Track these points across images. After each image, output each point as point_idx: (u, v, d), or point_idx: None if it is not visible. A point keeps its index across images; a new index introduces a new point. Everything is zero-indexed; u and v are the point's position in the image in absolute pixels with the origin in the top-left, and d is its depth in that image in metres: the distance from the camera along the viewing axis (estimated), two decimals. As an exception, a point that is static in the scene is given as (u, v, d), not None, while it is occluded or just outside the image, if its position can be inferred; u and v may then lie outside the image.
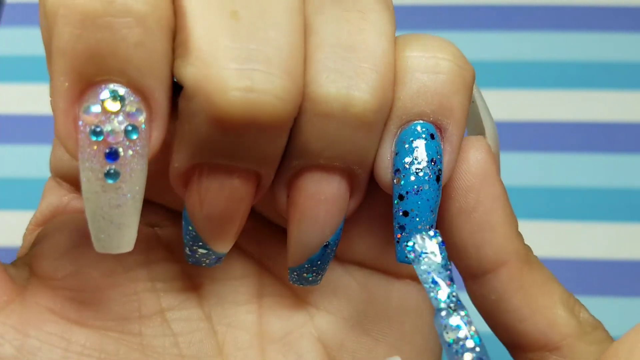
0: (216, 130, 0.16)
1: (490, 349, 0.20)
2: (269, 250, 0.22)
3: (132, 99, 0.16)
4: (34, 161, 0.43)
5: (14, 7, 0.42)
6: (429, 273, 0.18)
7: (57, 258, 0.20)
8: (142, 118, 0.16)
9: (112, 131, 0.15)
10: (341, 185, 0.18)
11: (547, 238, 0.36)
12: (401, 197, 0.18)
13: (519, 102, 0.39)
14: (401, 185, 0.18)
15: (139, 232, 0.18)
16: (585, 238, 0.36)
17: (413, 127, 0.18)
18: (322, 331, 0.21)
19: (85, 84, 0.15)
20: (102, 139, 0.15)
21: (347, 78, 0.17)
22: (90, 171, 0.16)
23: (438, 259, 0.18)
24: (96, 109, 0.15)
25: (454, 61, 0.18)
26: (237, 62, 0.16)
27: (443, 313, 0.17)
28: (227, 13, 0.16)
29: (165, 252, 0.21)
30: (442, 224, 0.20)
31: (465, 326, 0.17)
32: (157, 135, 0.16)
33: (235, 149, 0.17)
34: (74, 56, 0.15)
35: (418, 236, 0.18)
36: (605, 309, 0.36)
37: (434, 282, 0.18)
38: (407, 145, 0.18)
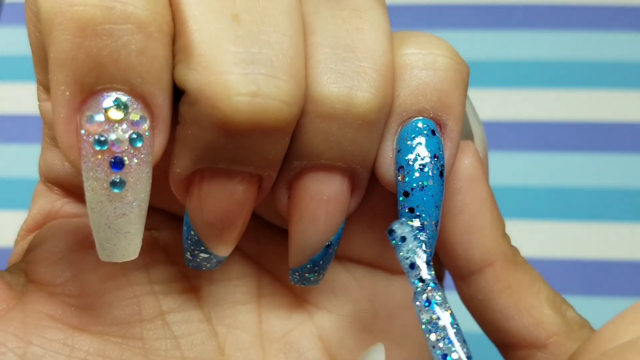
0: (220, 135, 0.16)
1: (481, 349, 0.20)
2: (268, 250, 0.22)
3: (135, 106, 0.15)
4: (33, 161, 0.43)
5: (13, 7, 0.42)
6: (407, 258, 0.18)
7: (54, 264, 0.19)
8: (146, 126, 0.15)
9: (117, 140, 0.15)
10: (343, 185, 0.18)
11: (547, 238, 0.37)
12: (406, 194, 0.18)
13: (518, 101, 0.39)
14: (406, 182, 0.18)
15: None
16: (585, 238, 0.37)
17: (414, 124, 0.18)
18: (322, 329, 0.22)
19: (87, 93, 0.15)
20: (107, 148, 0.15)
21: (348, 78, 0.17)
22: (95, 181, 0.15)
23: (416, 243, 0.18)
24: (99, 118, 0.15)
25: (451, 57, 0.19)
26: (241, 67, 0.15)
27: (419, 295, 0.18)
28: (228, 17, 0.16)
29: (163, 255, 0.21)
30: None
31: (438, 307, 0.18)
32: (160, 141, 0.16)
33: (239, 153, 0.16)
34: (75, 65, 0.15)
35: (397, 223, 0.18)
36: (605, 309, 0.37)
37: (412, 266, 0.18)
38: (409, 142, 0.18)
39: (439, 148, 0.18)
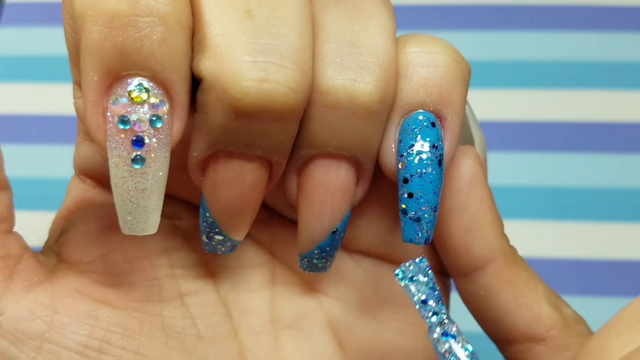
0: (231, 118, 0.17)
1: (480, 348, 0.21)
2: (281, 240, 0.23)
3: (156, 91, 0.17)
4: (33, 160, 0.44)
5: (14, 7, 0.44)
6: (418, 294, 0.19)
7: (84, 244, 0.21)
8: (165, 108, 0.17)
9: (138, 120, 0.17)
10: (348, 173, 0.20)
11: (547, 238, 0.37)
12: (405, 181, 0.19)
13: (519, 101, 0.40)
14: (405, 169, 0.19)
15: (160, 222, 0.20)
16: (585, 238, 0.37)
17: (415, 116, 0.20)
18: (331, 316, 0.23)
19: (113, 78, 0.17)
20: (129, 128, 0.17)
21: (352, 72, 0.19)
22: (118, 157, 0.17)
23: (425, 280, 0.19)
24: (123, 100, 0.17)
25: (452, 56, 0.20)
26: (251, 56, 0.17)
27: (434, 329, 0.19)
28: (242, 12, 0.18)
29: (183, 242, 0.23)
30: (436, 225, 0.22)
31: (453, 339, 0.19)
32: (178, 125, 0.18)
33: (249, 137, 0.18)
34: (103, 53, 0.17)
35: (407, 263, 0.20)
36: (605, 309, 0.37)
37: (424, 302, 0.19)
38: (409, 133, 0.19)
39: (438, 139, 0.20)
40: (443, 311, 0.19)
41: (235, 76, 0.17)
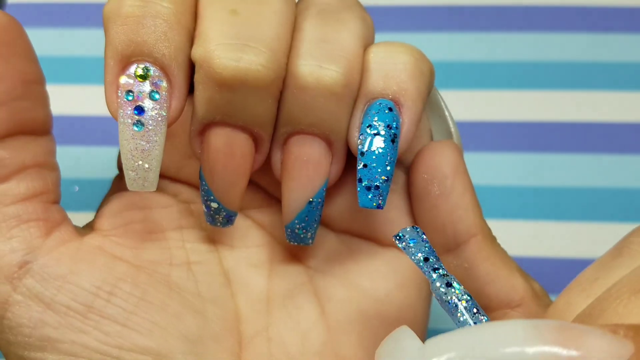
0: (216, 91, 0.22)
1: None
2: (280, 224, 0.27)
3: (157, 73, 0.22)
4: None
5: (14, 7, 0.44)
6: (419, 254, 0.22)
7: (112, 216, 0.25)
8: (163, 85, 0.22)
9: (140, 92, 0.22)
10: (320, 148, 0.23)
11: (548, 238, 0.37)
12: (362, 154, 0.23)
13: (518, 102, 0.40)
14: (362, 144, 0.23)
15: (177, 205, 0.24)
16: (585, 238, 0.37)
17: (375, 103, 0.23)
18: (318, 288, 0.26)
19: (125, 62, 0.22)
20: (133, 99, 0.22)
21: (320, 60, 0.23)
22: (124, 124, 0.22)
23: (423, 242, 0.22)
24: (130, 78, 0.22)
25: (412, 54, 0.24)
26: (232, 40, 0.22)
27: (437, 283, 0.21)
28: (228, 11, 0.22)
29: (195, 222, 0.26)
30: (426, 207, 0.25)
31: (456, 286, 0.22)
32: (175, 104, 0.22)
33: (231, 107, 0.22)
34: (118, 44, 0.22)
35: (406, 228, 0.23)
36: None
37: (425, 260, 0.22)
38: (369, 116, 0.23)
39: (394, 120, 0.23)
40: (442, 266, 0.22)
41: (218, 55, 0.21)
